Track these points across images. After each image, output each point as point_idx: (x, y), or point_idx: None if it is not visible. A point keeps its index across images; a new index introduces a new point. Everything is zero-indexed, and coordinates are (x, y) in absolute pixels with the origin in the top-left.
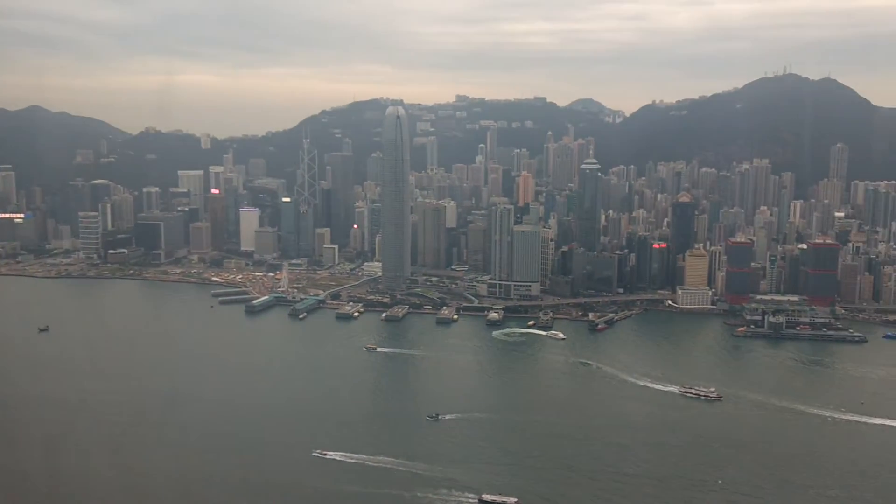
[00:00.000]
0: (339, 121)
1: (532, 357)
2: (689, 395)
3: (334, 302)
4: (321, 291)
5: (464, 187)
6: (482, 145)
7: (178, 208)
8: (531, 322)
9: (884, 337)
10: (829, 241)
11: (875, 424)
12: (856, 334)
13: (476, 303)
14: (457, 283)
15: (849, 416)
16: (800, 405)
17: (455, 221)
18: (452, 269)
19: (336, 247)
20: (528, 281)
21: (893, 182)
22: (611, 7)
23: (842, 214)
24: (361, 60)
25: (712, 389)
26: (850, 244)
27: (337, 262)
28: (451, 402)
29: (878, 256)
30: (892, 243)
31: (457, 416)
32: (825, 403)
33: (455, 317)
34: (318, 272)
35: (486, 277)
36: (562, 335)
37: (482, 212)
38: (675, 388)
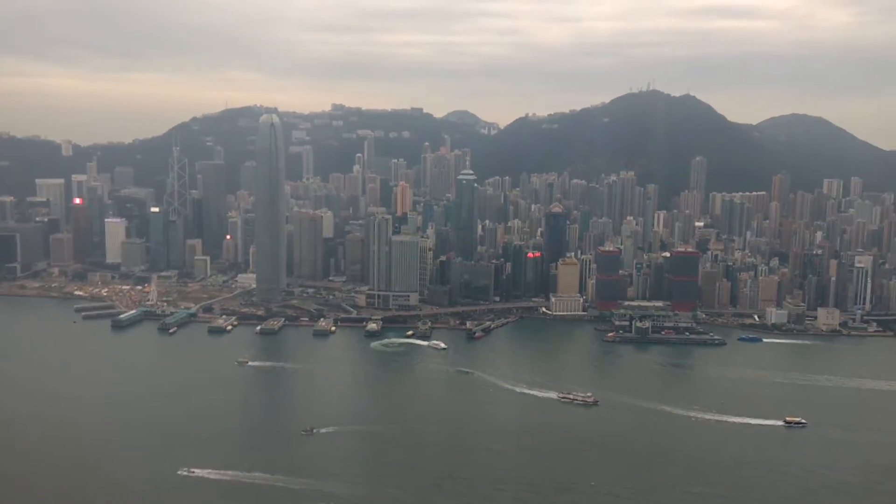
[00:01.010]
0: (210, 128)
1: (411, 367)
2: (567, 400)
3: (206, 315)
4: (192, 305)
5: (341, 197)
6: (359, 155)
7: (37, 219)
8: (410, 332)
9: (739, 339)
10: (690, 250)
11: (734, 423)
12: (715, 338)
13: (354, 314)
14: (334, 294)
15: (710, 416)
16: (666, 406)
17: (332, 231)
18: (330, 280)
19: (208, 258)
20: (407, 291)
21: (747, 193)
22: (485, 21)
23: (701, 224)
24: (234, 67)
25: (589, 394)
26: (710, 252)
27: (209, 273)
28: (327, 415)
29: (734, 263)
30: (746, 251)
31: (334, 430)
32: (689, 404)
33: (333, 328)
34: (190, 285)
35: (364, 288)
36: (443, 345)
37: (360, 222)
38: (553, 394)
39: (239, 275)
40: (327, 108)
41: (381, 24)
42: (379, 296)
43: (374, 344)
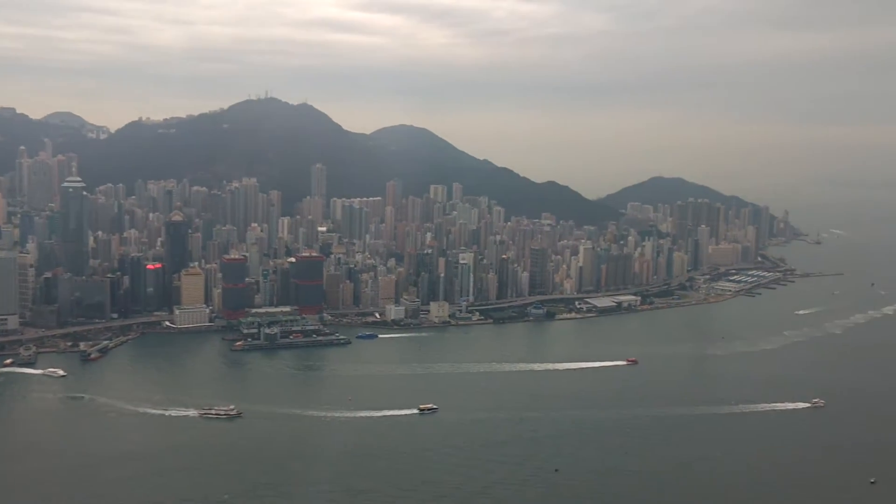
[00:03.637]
0: None
1: (11, 399)
2: (209, 416)
3: None
4: None
5: None
6: None
7: None
8: (9, 360)
9: (357, 337)
10: (314, 254)
11: (361, 417)
12: (341, 338)
13: None
14: None
15: (340, 413)
16: (301, 410)
17: None
18: None
19: None
20: (5, 314)
21: (365, 199)
22: (89, 17)
23: (324, 229)
24: None
25: (232, 407)
26: (333, 255)
27: None
28: None
29: (356, 266)
30: (366, 253)
31: None
32: (322, 404)
33: None
34: None
35: None
36: (61, 371)
37: None
38: (193, 412)
39: None
40: None
41: None
42: None
43: None
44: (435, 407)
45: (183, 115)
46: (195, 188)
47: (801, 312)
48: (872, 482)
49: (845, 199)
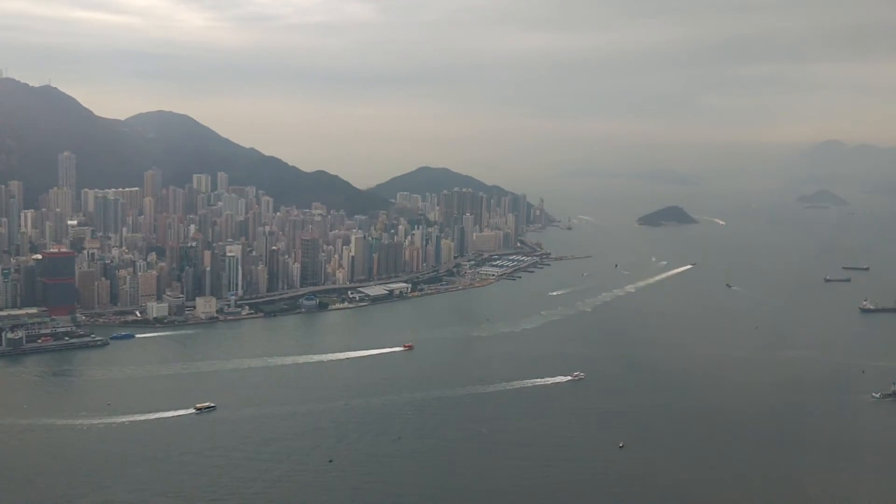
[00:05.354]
0: None
1: None
2: None
3: None
4: None
5: None
6: None
7: None
8: None
9: (112, 338)
10: (64, 250)
11: (126, 422)
12: (97, 339)
13: None
14: None
15: (99, 420)
16: (54, 419)
17: None
18: None
19: None
20: None
21: (121, 189)
22: None
23: (75, 222)
24: None
25: None
26: (86, 251)
27: None
28: None
29: (112, 261)
30: (124, 247)
31: None
32: (77, 412)
33: None
34: None
35: None
36: None
37: None
38: None
39: None
40: None
41: None
42: None
43: None
44: (213, 405)
45: None
46: None
47: (554, 293)
48: (621, 446)
49: (589, 186)
